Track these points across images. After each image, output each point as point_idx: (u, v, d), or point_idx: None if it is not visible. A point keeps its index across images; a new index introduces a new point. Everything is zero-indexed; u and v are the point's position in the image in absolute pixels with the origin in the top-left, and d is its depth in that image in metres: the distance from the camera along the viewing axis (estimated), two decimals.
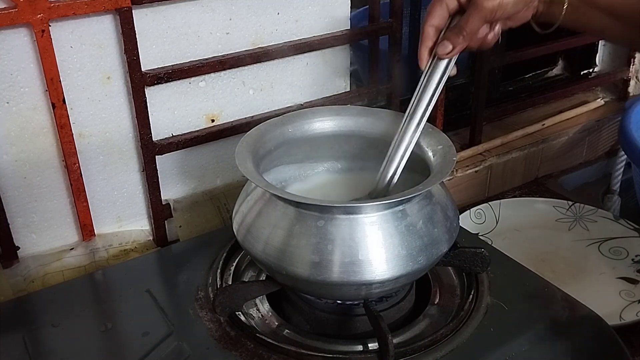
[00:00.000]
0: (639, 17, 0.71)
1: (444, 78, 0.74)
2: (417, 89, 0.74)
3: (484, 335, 0.74)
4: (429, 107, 0.74)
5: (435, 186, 0.73)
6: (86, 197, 0.90)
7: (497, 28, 0.75)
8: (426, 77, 0.74)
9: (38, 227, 0.90)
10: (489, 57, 1.21)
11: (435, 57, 0.73)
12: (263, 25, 0.95)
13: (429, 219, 0.71)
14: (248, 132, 0.79)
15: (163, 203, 0.96)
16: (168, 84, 0.90)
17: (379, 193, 0.76)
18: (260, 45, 0.96)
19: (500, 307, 0.77)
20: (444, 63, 0.73)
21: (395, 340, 0.71)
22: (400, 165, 0.75)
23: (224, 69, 0.94)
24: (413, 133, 0.74)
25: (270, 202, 0.72)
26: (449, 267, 0.85)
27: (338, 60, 1.05)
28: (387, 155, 0.75)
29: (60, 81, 0.82)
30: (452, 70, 0.74)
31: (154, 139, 0.92)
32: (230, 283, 0.82)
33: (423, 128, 0.75)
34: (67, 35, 0.82)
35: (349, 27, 1.03)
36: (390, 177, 0.75)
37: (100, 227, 0.94)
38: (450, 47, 0.72)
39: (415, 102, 0.74)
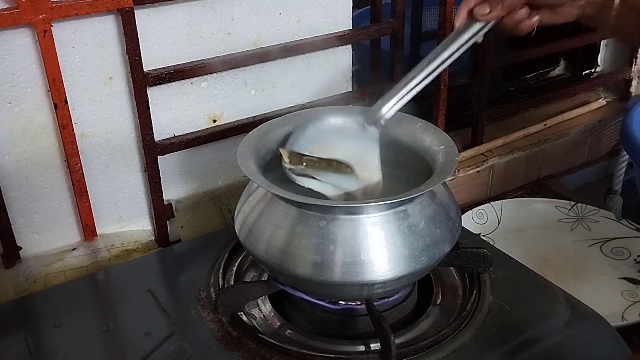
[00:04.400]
0: None
1: (471, 40, 0.74)
2: (445, 41, 0.74)
3: (486, 335, 0.74)
4: (446, 63, 0.74)
5: (437, 186, 0.73)
6: (88, 198, 0.90)
7: (536, 18, 0.75)
8: (456, 34, 0.74)
9: (40, 228, 0.90)
10: (490, 57, 1.21)
11: (469, 17, 0.74)
12: (265, 26, 0.95)
13: (431, 219, 0.71)
14: (250, 133, 0.79)
15: (165, 203, 0.96)
16: (170, 84, 0.90)
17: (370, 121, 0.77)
18: (262, 46, 0.96)
19: (503, 307, 0.77)
20: (476, 26, 0.74)
21: (397, 341, 0.71)
22: (397, 104, 0.76)
23: (226, 69, 0.94)
24: (421, 79, 0.74)
25: (272, 202, 0.72)
26: (451, 268, 0.85)
27: (340, 61, 1.05)
28: (389, 93, 0.76)
29: (62, 81, 0.82)
30: (480, 37, 0.75)
31: (155, 139, 0.92)
32: (232, 283, 0.82)
33: (424, 127, 0.74)
34: (69, 36, 0.82)
35: (350, 28, 1.03)
36: (385, 111, 0.76)
37: (102, 227, 0.94)
38: (488, 9, 0.72)
39: (436, 53, 0.74)
